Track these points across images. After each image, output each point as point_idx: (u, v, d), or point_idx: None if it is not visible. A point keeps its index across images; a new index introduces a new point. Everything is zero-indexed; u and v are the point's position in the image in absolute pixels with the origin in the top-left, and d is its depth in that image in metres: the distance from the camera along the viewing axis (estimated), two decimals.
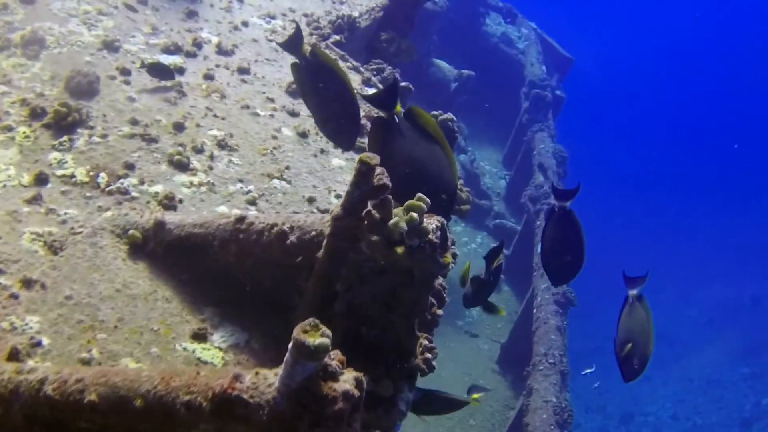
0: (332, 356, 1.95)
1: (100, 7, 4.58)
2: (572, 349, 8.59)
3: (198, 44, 4.64)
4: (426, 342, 2.92)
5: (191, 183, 3.53)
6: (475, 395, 4.32)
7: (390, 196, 2.52)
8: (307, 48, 3.11)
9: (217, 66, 4.55)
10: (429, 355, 2.90)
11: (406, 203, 2.47)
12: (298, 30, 3.06)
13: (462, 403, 3.74)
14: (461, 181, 3.83)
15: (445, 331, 9.45)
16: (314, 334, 1.84)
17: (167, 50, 4.48)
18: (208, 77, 4.38)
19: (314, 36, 5.26)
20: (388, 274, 2.65)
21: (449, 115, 4.75)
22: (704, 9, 37.53)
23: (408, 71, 10.70)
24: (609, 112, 31.30)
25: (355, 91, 3.15)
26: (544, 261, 3.47)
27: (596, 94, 30.52)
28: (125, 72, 4.11)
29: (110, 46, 4.28)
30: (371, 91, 4.93)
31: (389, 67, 5.23)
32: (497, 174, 12.59)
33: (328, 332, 1.85)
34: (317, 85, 3.08)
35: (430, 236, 2.49)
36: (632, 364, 3.49)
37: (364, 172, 2.45)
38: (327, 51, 5.14)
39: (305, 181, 3.83)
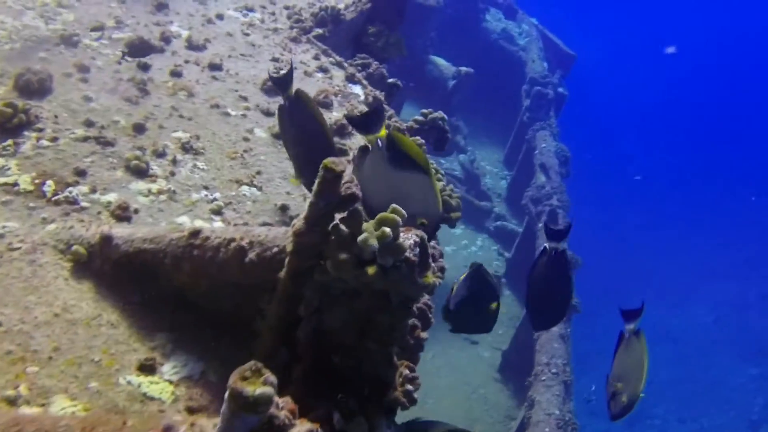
0: (281, 405, 1.63)
1: None
2: (577, 351, 8.31)
3: (166, 39, 4.32)
4: (407, 371, 2.59)
5: (149, 191, 3.20)
6: None
7: (360, 208, 2.20)
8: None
9: (186, 62, 4.23)
10: (410, 387, 2.57)
11: (378, 216, 2.14)
12: (290, 70, 3.00)
13: None
14: (450, 187, 3.52)
15: (445, 338, 9.19)
16: (255, 382, 1.53)
17: (131, 45, 4.15)
18: (176, 74, 4.06)
19: (295, 30, 4.94)
20: (362, 297, 2.32)
21: (439, 113, 4.43)
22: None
23: (404, 69, 10.44)
24: (613, 109, 30.86)
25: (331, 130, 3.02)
26: (529, 305, 3.30)
27: (600, 90, 30.15)
28: (83, 69, 3.79)
29: (68, 41, 3.96)
30: (355, 88, 4.61)
31: (375, 62, 4.91)
32: (498, 174, 12.42)
33: (273, 379, 1.54)
34: (296, 127, 3.00)
35: (407, 254, 2.16)
36: (620, 403, 3.37)
37: (329, 180, 2.13)
38: (309, 47, 4.82)
39: (278, 188, 3.51)
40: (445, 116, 4.51)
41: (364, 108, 4.19)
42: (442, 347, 8.92)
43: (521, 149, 11.19)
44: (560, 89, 11.78)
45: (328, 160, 2.12)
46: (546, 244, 3.14)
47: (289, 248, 2.27)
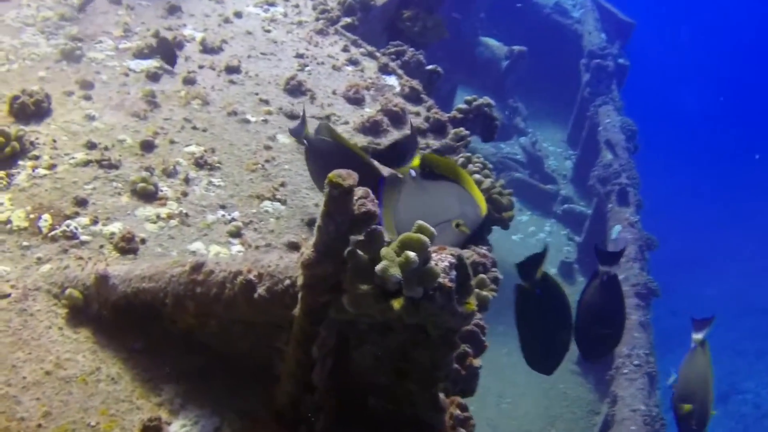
0: None
1: (63, 12, 3.99)
2: (659, 328, 7.84)
3: (179, 43, 4.00)
4: (458, 411, 2.19)
5: (158, 216, 2.87)
6: None
7: (380, 229, 1.80)
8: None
9: (201, 67, 3.90)
10: (463, 431, 2.18)
11: (400, 237, 1.74)
12: (303, 117, 3.01)
13: None
14: (501, 183, 3.11)
15: (516, 332, 8.79)
16: None
17: (140, 54, 3.85)
18: (189, 81, 3.73)
19: (321, 21, 4.57)
20: (394, 332, 1.93)
21: (485, 99, 4.02)
22: None
23: (454, 53, 10.04)
24: (679, 78, 29.56)
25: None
26: (578, 333, 3.10)
27: (663, 58, 28.90)
28: (86, 85, 3.50)
29: (70, 56, 3.67)
30: (389, 80, 4.21)
31: (411, 49, 4.50)
32: (562, 154, 12.07)
33: None
34: (326, 164, 2.83)
35: (440, 280, 1.76)
36: (690, 425, 3.22)
37: (336, 197, 1.74)
38: (338, 38, 4.45)
39: (305, 200, 3.14)
40: (492, 102, 4.09)
41: (399, 102, 3.78)
42: (515, 342, 8.48)
43: (584, 127, 10.68)
44: (621, 60, 11.16)
45: (334, 174, 1.74)
46: (598, 268, 3.00)
47: (299, 282, 1.89)
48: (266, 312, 2.09)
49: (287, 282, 2.03)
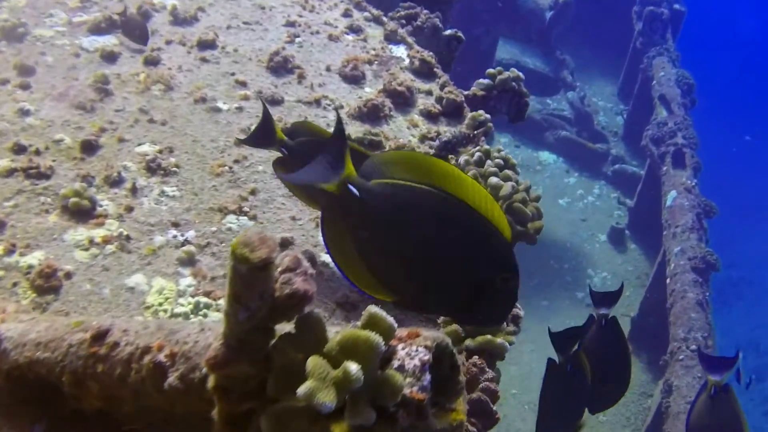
0: None
1: None
2: (715, 279, 7.43)
3: (145, 14, 3.43)
4: None
5: (91, 241, 2.35)
6: None
7: (317, 315, 1.26)
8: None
9: (169, 43, 3.33)
10: None
11: (341, 335, 1.18)
12: (265, 114, 2.26)
13: None
14: (525, 184, 2.50)
15: (563, 306, 8.44)
16: None
17: (97, 29, 3.30)
18: (151, 62, 3.17)
19: None
20: None
21: (513, 72, 3.40)
22: None
23: (494, 5, 9.39)
24: (743, 24, 27.91)
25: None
26: None
27: (724, 1, 27.30)
28: (25, 71, 2.97)
29: (11, 35, 3.14)
30: (398, 50, 3.59)
31: (425, 12, 3.86)
32: (612, 110, 11.81)
33: None
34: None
35: (408, 391, 1.20)
36: None
37: (245, 275, 1.18)
38: (338, 1, 3.84)
39: (279, 212, 2.58)
40: (521, 75, 3.45)
41: (405, 80, 3.18)
42: (561, 319, 8.01)
43: (637, 80, 10.21)
44: (676, 6, 10.62)
45: (238, 241, 1.17)
46: (594, 313, 2.84)
47: (210, 384, 1.35)
48: (183, 404, 1.56)
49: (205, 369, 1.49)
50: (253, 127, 2.92)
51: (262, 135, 2.29)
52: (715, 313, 6.83)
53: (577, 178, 10.21)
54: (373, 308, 1.21)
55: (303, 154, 2.19)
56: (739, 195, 17.22)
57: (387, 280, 1.78)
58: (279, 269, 1.24)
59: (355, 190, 1.70)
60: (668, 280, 7.13)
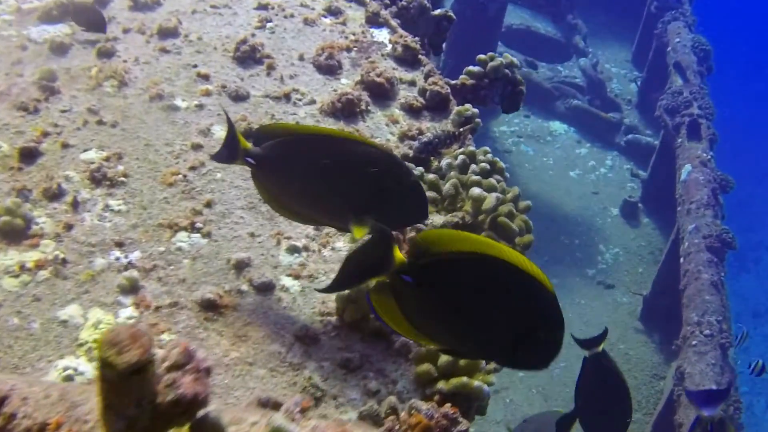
0: None
1: None
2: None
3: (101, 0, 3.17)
4: None
5: (22, 267, 2.12)
6: None
7: (214, 418, 1.02)
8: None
9: (126, 31, 3.07)
10: None
11: None
12: (230, 130, 2.07)
13: None
14: (513, 192, 2.24)
15: (574, 284, 8.22)
16: None
17: (48, 17, 3.04)
18: (105, 54, 2.92)
19: None
20: None
21: (506, 58, 3.13)
22: None
23: None
24: None
25: None
26: (583, 421, 2.97)
27: None
28: None
29: None
30: (379, 33, 3.31)
31: None
32: (626, 77, 11.51)
33: None
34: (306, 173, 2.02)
35: None
36: None
37: (114, 381, 0.95)
38: None
39: (237, 227, 2.34)
40: (515, 60, 3.18)
41: (385, 70, 2.91)
42: (572, 296, 7.82)
43: (651, 46, 9.90)
44: None
45: (104, 341, 0.93)
46: (586, 355, 2.88)
47: None
48: None
49: None
50: (213, 129, 2.67)
51: (227, 153, 2.06)
52: (731, 278, 6.59)
53: (589, 149, 9.91)
54: (273, 418, 0.97)
55: (273, 159, 1.97)
56: (757, 157, 16.94)
57: (435, 337, 1.76)
58: (165, 364, 1.01)
59: (408, 278, 1.70)
60: (682, 260, 6.87)
